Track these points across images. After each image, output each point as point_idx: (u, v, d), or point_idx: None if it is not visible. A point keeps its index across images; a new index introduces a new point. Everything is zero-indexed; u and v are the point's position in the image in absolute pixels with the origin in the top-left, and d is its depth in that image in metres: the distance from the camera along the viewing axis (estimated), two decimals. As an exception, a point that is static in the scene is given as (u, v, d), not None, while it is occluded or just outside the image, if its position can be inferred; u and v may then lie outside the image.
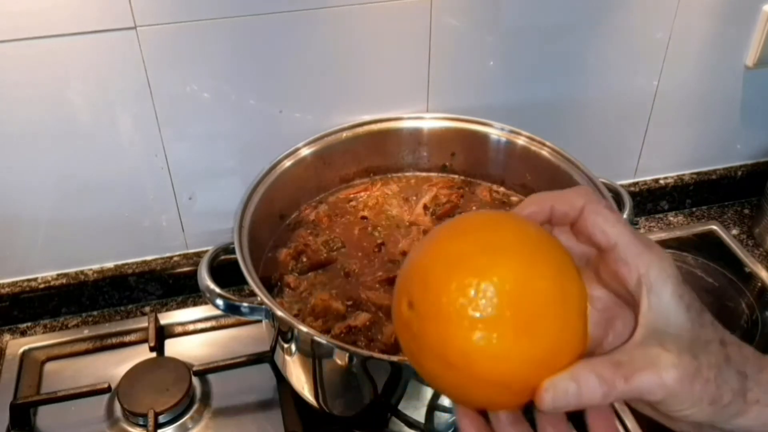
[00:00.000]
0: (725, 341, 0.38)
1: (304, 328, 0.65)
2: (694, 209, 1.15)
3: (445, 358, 0.36)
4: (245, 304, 0.70)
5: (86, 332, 0.92)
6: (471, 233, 0.38)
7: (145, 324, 0.90)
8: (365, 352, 0.65)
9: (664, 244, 1.07)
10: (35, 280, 0.94)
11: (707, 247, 1.07)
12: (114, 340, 0.92)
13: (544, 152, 0.86)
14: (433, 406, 0.67)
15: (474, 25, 0.89)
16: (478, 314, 0.35)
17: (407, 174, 0.95)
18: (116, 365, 0.87)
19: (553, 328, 0.36)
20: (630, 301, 0.39)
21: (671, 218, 1.14)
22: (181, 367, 0.84)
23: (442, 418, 0.69)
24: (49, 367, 0.89)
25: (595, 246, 0.40)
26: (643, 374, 0.35)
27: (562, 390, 0.35)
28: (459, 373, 0.36)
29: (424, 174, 0.95)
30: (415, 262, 0.38)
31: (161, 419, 0.80)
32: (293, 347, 0.71)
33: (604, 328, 0.41)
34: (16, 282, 0.93)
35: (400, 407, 0.68)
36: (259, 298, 0.68)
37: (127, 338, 0.92)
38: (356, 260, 0.82)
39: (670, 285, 0.37)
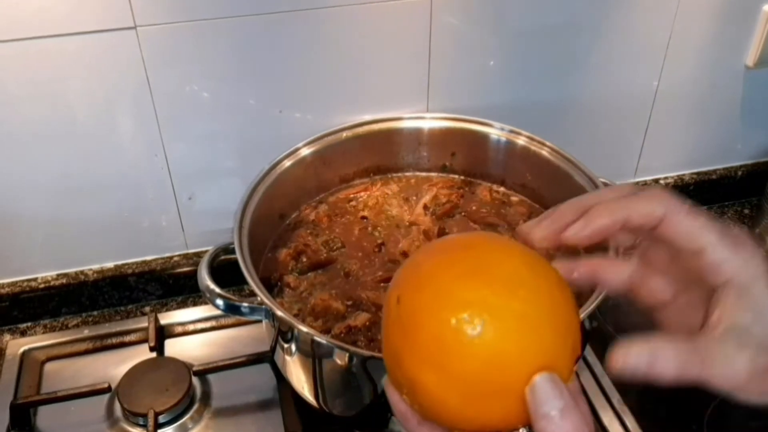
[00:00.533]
0: None
1: (304, 328, 0.65)
2: (694, 209, 1.15)
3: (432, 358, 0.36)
4: (245, 304, 0.70)
5: (86, 332, 0.92)
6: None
7: (145, 324, 0.90)
8: (365, 352, 0.65)
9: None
10: (35, 280, 0.94)
11: (707, 247, 1.06)
12: (114, 340, 0.92)
13: (544, 152, 0.86)
14: (433, 406, 0.67)
15: (474, 25, 0.89)
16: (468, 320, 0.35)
17: (407, 174, 0.95)
18: (116, 365, 0.87)
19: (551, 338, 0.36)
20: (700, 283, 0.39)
21: (671, 218, 1.13)
22: (181, 367, 0.84)
23: (442, 418, 0.69)
24: (49, 367, 0.89)
25: (671, 246, 0.39)
26: (717, 368, 0.36)
27: (634, 354, 0.35)
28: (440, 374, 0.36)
29: (424, 174, 0.95)
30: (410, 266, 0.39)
31: (161, 419, 0.80)
32: (293, 347, 0.71)
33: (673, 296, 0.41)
34: (16, 282, 0.93)
35: (400, 407, 0.68)
36: (259, 298, 0.68)
37: (127, 338, 0.92)
38: (356, 260, 0.82)
39: (760, 283, 0.37)
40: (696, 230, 0.38)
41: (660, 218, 0.38)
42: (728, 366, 0.36)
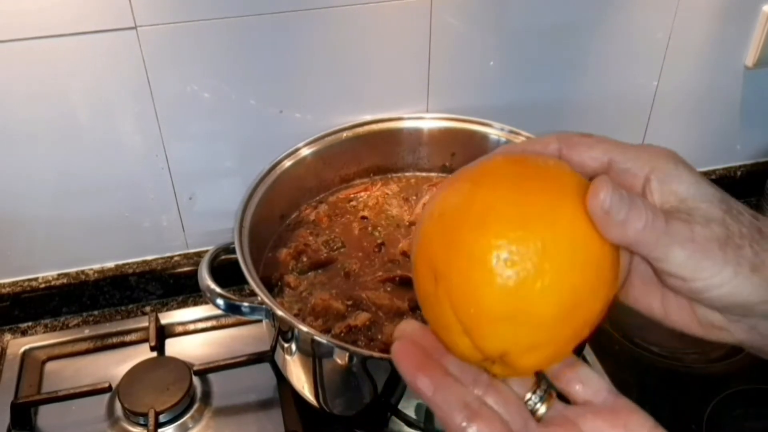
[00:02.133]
0: (756, 216, 0.36)
1: (304, 328, 0.65)
2: (693, 209, 1.15)
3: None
4: (245, 304, 0.70)
5: (87, 332, 0.92)
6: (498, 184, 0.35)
7: (146, 324, 0.90)
8: (365, 352, 0.65)
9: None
10: (36, 279, 0.94)
11: (707, 246, 1.06)
12: (114, 340, 0.92)
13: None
14: (433, 406, 0.67)
15: (474, 25, 0.89)
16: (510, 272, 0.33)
17: (407, 174, 0.95)
18: (117, 365, 0.87)
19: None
20: None
21: (671, 218, 1.14)
22: (182, 366, 0.84)
23: (442, 417, 0.69)
24: (50, 366, 0.89)
25: (593, 175, 0.37)
26: (678, 222, 0.34)
27: (617, 193, 0.33)
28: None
29: (424, 174, 0.95)
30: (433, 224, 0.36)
31: (162, 419, 0.80)
32: (293, 347, 0.71)
33: None
34: (17, 282, 0.93)
35: (400, 407, 0.68)
36: (259, 298, 0.68)
37: (127, 338, 0.92)
38: (356, 260, 0.82)
39: (682, 169, 0.36)
40: (594, 145, 0.37)
41: (557, 152, 0.38)
42: (686, 224, 0.34)
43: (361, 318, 0.74)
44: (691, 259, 0.34)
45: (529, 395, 0.37)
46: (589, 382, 0.38)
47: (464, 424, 0.34)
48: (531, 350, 0.35)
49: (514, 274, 0.33)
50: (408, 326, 0.38)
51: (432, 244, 0.36)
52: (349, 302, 0.76)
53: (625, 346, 0.89)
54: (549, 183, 0.35)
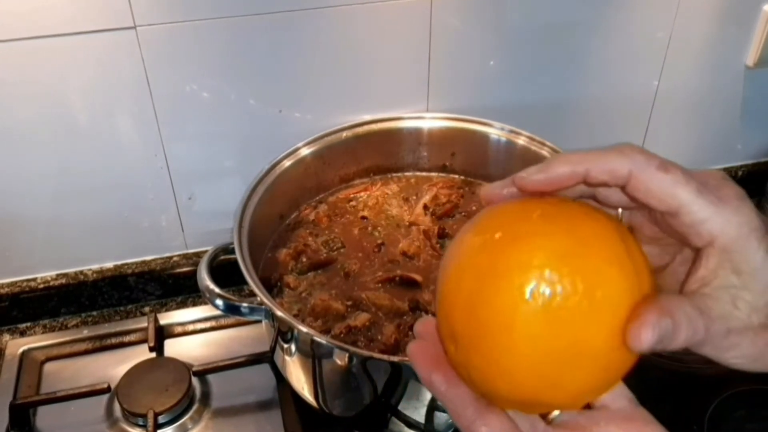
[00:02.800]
0: None
1: (303, 329, 0.65)
2: (694, 209, 1.15)
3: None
4: (245, 305, 0.70)
5: (86, 332, 0.92)
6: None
7: (145, 324, 0.90)
8: (365, 352, 0.65)
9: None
10: (35, 280, 0.94)
11: (707, 247, 1.06)
12: (113, 340, 0.92)
13: (544, 152, 0.86)
14: (433, 407, 0.67)
15: (474, 24, 0.89)
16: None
17: (407, 174, 0.95)
18: (116, 365, 0.87)
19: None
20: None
21: (671, 218, 1.13)
22: (181, 367, 0.84)
23: (442, 418, 0.69)
24: (49, 367, 0.89)
25: (648, 209, 0.35)
26: (716, 326, 0.32)
27: (664, 327, 0.31)
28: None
29: (424, 174, 0.95)
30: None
31: (161, 419, 0.79)
32: (293, 347, 0.71)
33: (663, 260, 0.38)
34: (16, 282, 0.93)
35: (400, 407, 0.68)
36: (258, 299, 0.68)
37: (126, 338, 0.92)
38: (356, 260, 0.82)
39: (746, 244, 0.33)
40: (668, 187, 0.34)
41: (626, 176, 0.34)
42: (725, 322, 0.32)
43: (361, 318, 0.73)
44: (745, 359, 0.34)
45: None
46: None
47: (475, 420, 0.34)
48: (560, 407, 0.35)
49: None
50: (424, 326, 0.38)
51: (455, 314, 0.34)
52: (349, 303, 0.76)
53: (626, 346, 0.88)
54: (588, 247, 0.33)
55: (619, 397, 0.38)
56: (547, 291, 0.31)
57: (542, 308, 0.31)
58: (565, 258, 0.32)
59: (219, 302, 0.70)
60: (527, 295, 0.31)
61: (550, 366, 0.32)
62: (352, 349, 0.65)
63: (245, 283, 0.68)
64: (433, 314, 0.69)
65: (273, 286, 0.79)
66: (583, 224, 0.33)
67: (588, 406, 0.38)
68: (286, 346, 0.72)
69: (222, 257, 0.75)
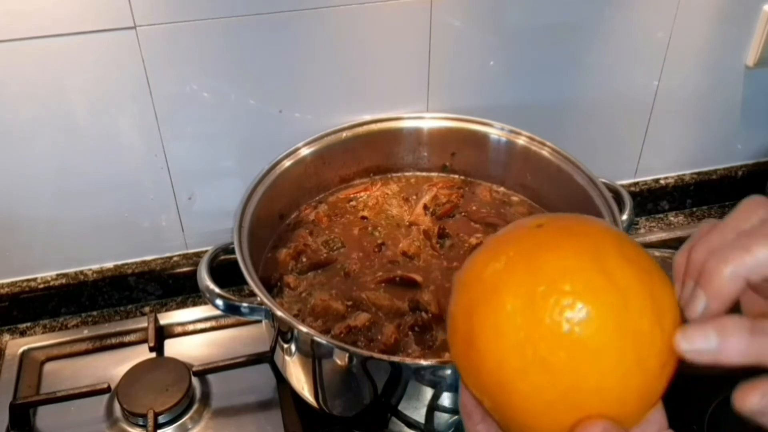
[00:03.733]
0: None
1: (304, 329, 0.65)
2: (694, 209, 1.15)
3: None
4: (245, 305, 0.70)
5: (86, 332, 0.92)
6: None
7: (145, 324, 0.90)
8: (365, 352, 0.65)
9: (664, 244, 1.07)
10: (35, 280, 0.94)
11: (708, 247, 1.06)
12: (113, 340, 0.92)
13: (544, 152, 0.86)
14: (433, 407, 0.67)
15: (474, 25, 0.89)
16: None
17: (407, 174, 0.95)
18: (116, 365, 0.87)
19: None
20: None
21: (672, 218, 1.13)
22: (181, 367, 0.84)
23: (442, 418, 0.69)
24: (49, 367, 0.89)
25: None
26: None
27: (700, 337, 0.31)
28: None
29: (424, 174, 0.95)
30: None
31: (161, 419, 0.79)
32: (293, 347, 0.71)
33: None
34: (16, 282, 0.93)
35: (400, 407, 0.68)
36: (258, 298, 0.68)
37: (126, 338, 0.92)
38: (356, 260, 0.82)
39: None
40: None
41: None
42: None
43: (361, 318, 0.73)
44: None
45: None
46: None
47: None
48: None
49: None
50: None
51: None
52: (349, 303, 0.76)
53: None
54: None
55: (654, 423, 0.38)
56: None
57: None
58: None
59: (219, 302, 0.70)
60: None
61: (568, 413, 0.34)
62: (352, 349, 0.65)
63: (245, 283, 0.68)
64: (432, 315, 0.68)
65: (273, 286, 0.79)
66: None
67: None
68: (286, 346, 0.72)
69: (222, 257, 0.75)
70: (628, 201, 0.81)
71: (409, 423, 0.69)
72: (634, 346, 0.33)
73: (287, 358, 0.74)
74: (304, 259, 0.82)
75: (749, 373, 0.34)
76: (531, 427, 0.35)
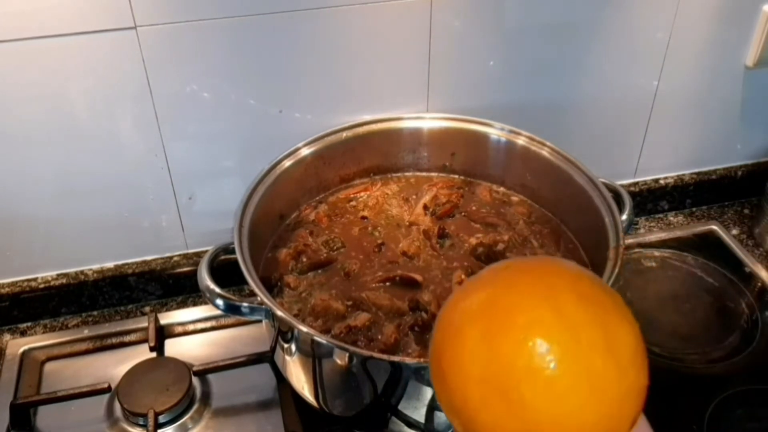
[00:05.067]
0: None
1: (304, 328, 0.65)
2: (694, 209, 1.15)
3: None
4: (245, 304, 0.70)
5: (86, 332, 0.92)
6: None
7: (145, 324, 0.90)
8: (365, 352, 0.65)
9: (664, 244, 1.07)
10: (35, 280, 0.94)
11: (707, 247, 1.07)
12: (114, 340, 0.92)
13: (544, 152, 0.86)
14: (433, 406, 0.67)
15: (474, 25, 0.89)
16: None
17: (407, 174, 0.95)
18: (116, 365, 0.87)
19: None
20: None
21: (671, 218, 1.14)
22: (181, 367, 0.84)
23: (442, 418, 0.69)
24: (49, 367, 0.89)
25: None
26: None
27: None
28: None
29: (424, 174, 0.95)
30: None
31: (161, 419, 0.80)
32: (293, 347, 0.71)
33: None
34: (16, 282, 0.93)
35: (400, 407, 0.68)
36: (259, 298, 0.68)
37: (127, 338, 0.92)
38: (356, 260, 0.82)
39: None
40: None
41: None
42: None
43: (361, 318, 0.73)
44: None
45: None
46: None
47: None
48: None
49: None
50: None
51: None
52: (349, 302, 0.76)
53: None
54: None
55: None
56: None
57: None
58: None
59: (219, 302, 0.70)
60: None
61: None
62: (352, 348, 0.65)
63: (245, 282, 0.68)
64: (432, 315, 0.68)
65: (273, 286, 0.79)
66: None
67: None
68: (286, 345, 0.72)
69: (222, 257, 0.75)
70: (627, 201, 0.81)
71: (409, 423, 0.69)
72: (587, 379, 0.34)
73: (287, 357, 0.74)
74: (304, 259, 0.82)
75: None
76: None
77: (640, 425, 0.38)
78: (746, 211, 1.15)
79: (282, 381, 0.82)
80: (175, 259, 0.97)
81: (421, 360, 0.65)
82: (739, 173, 1.14)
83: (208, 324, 0.93)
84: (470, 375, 0.36)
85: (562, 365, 0.34)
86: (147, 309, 0.97)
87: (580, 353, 0.35)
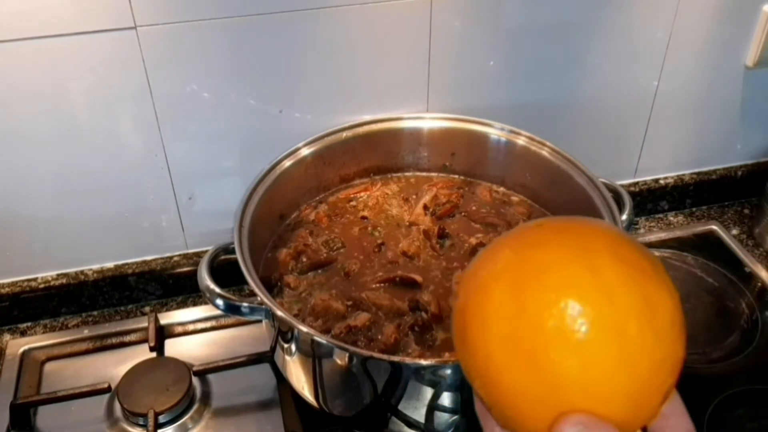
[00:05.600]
0: None
1: (304, 328, 0.65)
2: (694, 209, 1.15)
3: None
4: (245, 304, 0.70)
5: (86, 332, 0.92)
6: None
7: (145, 324, 0.90)
8: (365, 352, 0.65)
9: (664, 244, 1.07)
10: (35, 280, 0.94)
11: (707, 247, 1.07)
12: (114, 340, 0.92)
13: (544, 152, 0.86)
14: (433, 406, 0.67)
15: (474, 25, 0.89)
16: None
17: (407, 174, 0.95)
18: (116, 365, 0.87)
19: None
20: None
21: (671, 218, 1.14)
22: (181, 367, 0.84)
23: (442, 418, 0.69)
24: (49, 367, 0.89)
25: None
26: None
27: None
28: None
29: (424, 174, 0.95)
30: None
31: (161, 419, 0.80)
32: (293, 347, 0.71)
33: None
34: (16, 282, 0.93)
35: (400, 407, 0.68)
36: (259, 298, 0.68)
37: (127, 338, 0.92)
38: (356, 260, 0.82)
39: None
40: None
41: None
42: None
43: (361, 318, 0.73)
44: None
45: None
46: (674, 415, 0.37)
47: None
48: None
49: None
50: None
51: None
52: (349, 303, 0.76)
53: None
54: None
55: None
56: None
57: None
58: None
59: (219, 302, 0.70)
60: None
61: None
62: (352, 348, 0.65)
63: (245, 283, 0.68)
64: (432, 315, 0.68)
65: (273, 286, 0.79)
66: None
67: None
68: (286, 345, 0.72)
69: (222, 257, 0.75)
70: (627, 201, 0.81)
71: (409, 423, 0.70)
72: (619, 345, 0.32)
73: (287, 357, 0.74)
74: (304, 259, 0.82)
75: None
76: (521, 423, 0.35)
77: (673, 402, 0.37)
78: (746, 211, 1.15)
79: (282, 381, 0.82)
80: (175, 259, 0.97)
81: (422, 360, 0.65)
82: (739, 173, 1.14)
83: (208, 324, 0.93)
84: (495, 331, 0.34)
85: (594, 329, 0.32)
86: (147, 309, 0.97)
87: (614, 318, 0.32)
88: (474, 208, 0.90)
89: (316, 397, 0.73)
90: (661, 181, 1.12)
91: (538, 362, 0.33)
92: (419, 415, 0.68)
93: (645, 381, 0.33)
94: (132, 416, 0.80)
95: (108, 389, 0.80)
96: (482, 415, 0.38)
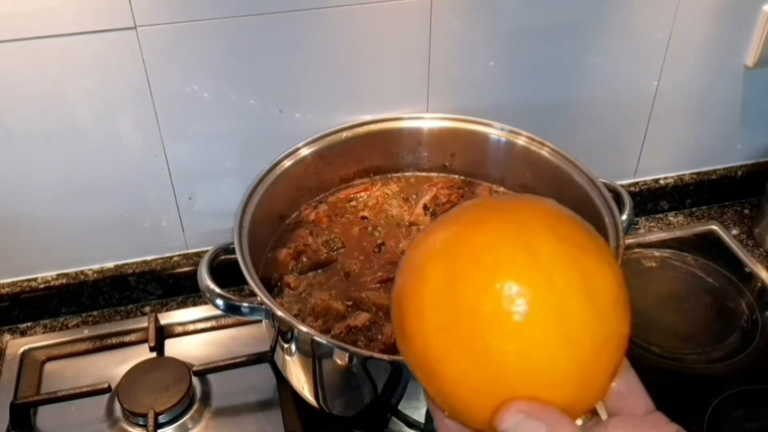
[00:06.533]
0: None
1: (304, 328, 0.65)
2: (694, 209, 1.15)
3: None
4: (245, 304, 0.70)
5: (86, 332, 0.92)
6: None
7: (145, 324, 0.90)
8: (365, 352, 0.65)
9: (664, 244, 1.07)
10: (35, 280, 0.94)
11: (707, 247, 1.07)
12: (114, 340, 0.92)
13: (544, 152, 0.86)
14: (433, 406, 0.67)
15: (474, 25, 0.89)
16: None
17: (407, 174, 0.95)
18: (116, 365, 0.87)
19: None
20: None
21: (671, 218, 1.14)
22: (181, 367, 0.84)
23: (442, 418, 0.69)
24: (49, 367, 0.89)
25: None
26: None
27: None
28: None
29: (424, 174, 0.95)
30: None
31: (161, 419, 0.80)
32: (293, 347, 0.71)
33: None
34: (16, 282, 0.93)
35: (400, 407, 0.68)
36: (259, 298, 0.68)
37: (127, 338, 0.92)
38: (356, 260, 0.82)
39: None
40: None
41: None
42: None
43: (361, 318, 0.73)
44: None
45: None
46: (631, 394, 0.37)
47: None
48: None
49: None
50: None
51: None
52: (349, 303, 0.76)
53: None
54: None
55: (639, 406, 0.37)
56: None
57: None
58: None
59: (219, 302, 0.70)
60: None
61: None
62: (352, 348, 0.65)
63: (245, 283, 0.68)
64: None
65: (273, 286, 0.79)
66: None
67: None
68: (286, 345, 0.72)
69: (222, 257, 0.75)
70: (627, 201, 0.81)
71: (409, 423, 0.70)
72: (560, 325, 0.31)
73: (287, 357, 0.74)
74: (304, 259, 0.82)
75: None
76: (466, 414, 0.33)
77: (629, 381, 0.36)
78: (746, 211, 1.15)
79: (282, 381, 0.82)
80: (175, 259, 0.97)
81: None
82: (739, 173, 1.14)
83: (208, 324, 0.93)
84: (431, 322, 0.32)
85: (533, 310, 0.30)
86: (147, 309, 0.97)
87: (553, 297, 0.31)
88: (474, 208, 0.89)
89: (316, 397, 0.73)
90: (661, 181, 1.12)
91: (475, 349, 0.31)
92: (419, 415, 0.68)
93: (589, 361, 0.32)
94: (132, 416, 0.80)
95: (108, 389, 0.81)
96: (432, 406, 0.37)
